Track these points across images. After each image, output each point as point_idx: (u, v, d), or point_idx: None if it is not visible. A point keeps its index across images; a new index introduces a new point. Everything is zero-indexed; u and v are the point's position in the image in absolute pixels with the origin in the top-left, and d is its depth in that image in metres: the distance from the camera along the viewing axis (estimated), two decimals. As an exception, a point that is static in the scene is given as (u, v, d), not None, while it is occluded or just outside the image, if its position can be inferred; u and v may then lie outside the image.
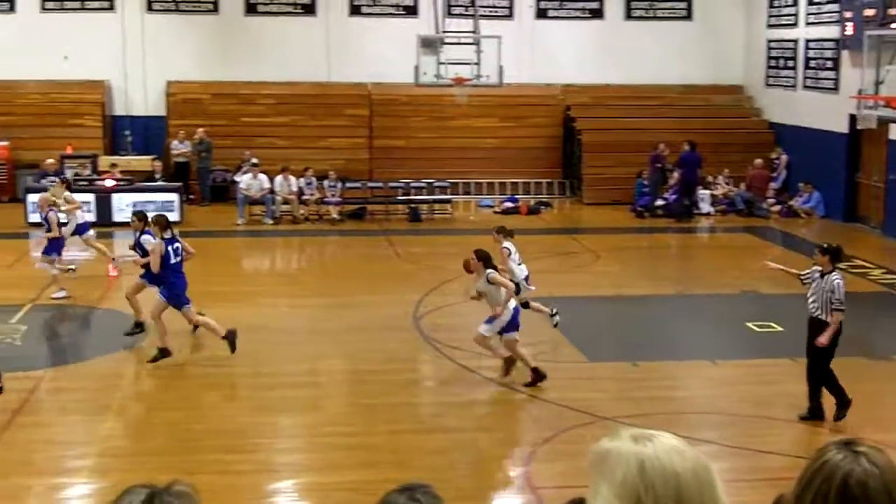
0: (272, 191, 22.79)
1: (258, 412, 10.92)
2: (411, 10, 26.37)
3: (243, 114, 25.68)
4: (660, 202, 24.18)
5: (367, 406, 11.06)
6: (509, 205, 24.82)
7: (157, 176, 23.35)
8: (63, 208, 16.76)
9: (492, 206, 25.13)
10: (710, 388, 12.15)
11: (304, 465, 9.68)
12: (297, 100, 25.80)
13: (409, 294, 15.82)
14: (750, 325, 14.49)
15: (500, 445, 10.31)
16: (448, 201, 24.24)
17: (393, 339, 13.56)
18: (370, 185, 24.47)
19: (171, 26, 25.86)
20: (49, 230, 15.67)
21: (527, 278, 13.34)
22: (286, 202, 22.86)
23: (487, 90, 22.71)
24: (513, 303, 11.72)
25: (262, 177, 22.87)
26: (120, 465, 9.34)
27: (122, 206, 21.82)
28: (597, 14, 27.30)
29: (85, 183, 22.31)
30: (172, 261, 12.52)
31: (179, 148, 24.78)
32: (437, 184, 24.24)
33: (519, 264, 13.26)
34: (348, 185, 23.78)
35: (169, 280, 12.53)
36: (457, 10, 25.06)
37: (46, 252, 15.67)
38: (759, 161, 24.79)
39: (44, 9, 25.45)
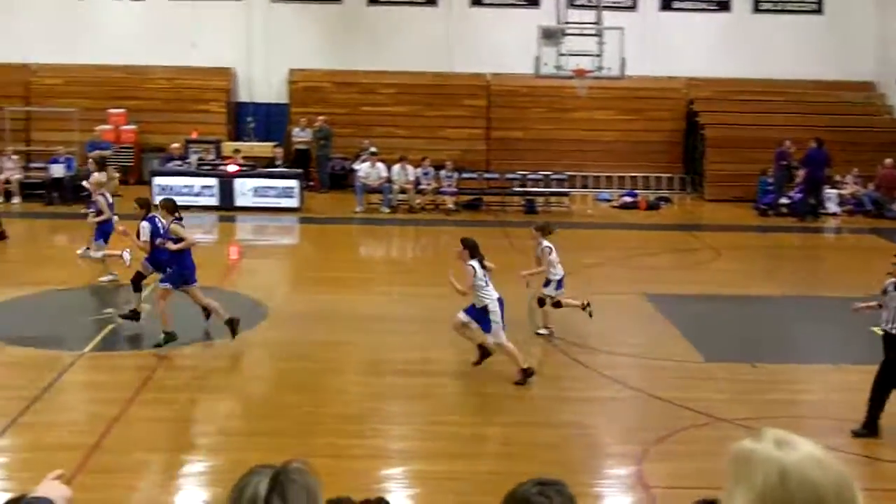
0: (389, 180, 22.96)
1: (372, 398, 11.00)
2: (533, 1, 26.25)
3: (363, 103, 25.92)
4: (784, 200, 23.58)
5: (479, 397, 11.04)
6: (628, 199, 24.51)
7: (278, 162, 23.75)
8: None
9: (610, 200, 24.86)
10: (831, 392, 11.76)
11: (415, 452, 9.70)
12: (416, 90, 25.93)
13: (524, 287, 15.72)
14: (875, 329, 13.99)
15: (613, 443, 10.16)
16: (565, 194, 24.06)
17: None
18: (486, 175, 24.46)
19: (296, 15, 26.24)
20: (98, 214, 15.66)
21: (561, 280, 13.20)
22: (403, 191, 23.01)
23: (608, 82, 22.46)
24: (494, 294, 11.49)
25: (381, 165, 23.05)
26: (236, 445, 9.51)
27: (244, 191, 22.27)
28: (724, 6, 26.74)
29: (208, 168, 22.84)
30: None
31: (300, 135, 25.17)
32: (554, 176, 24.09)
33: (557, 264, 13.14)
34: (464, 175, 23.81)
35: (179, 260, 12.68)
36: (579, 1, 24.79)
37: (96, 238, 15.60)
38: (889, 161, 23.95)
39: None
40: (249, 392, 11.31)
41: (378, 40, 25.98)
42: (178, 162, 23.10)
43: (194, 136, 24.71)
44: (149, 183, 22.66)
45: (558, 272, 13.15)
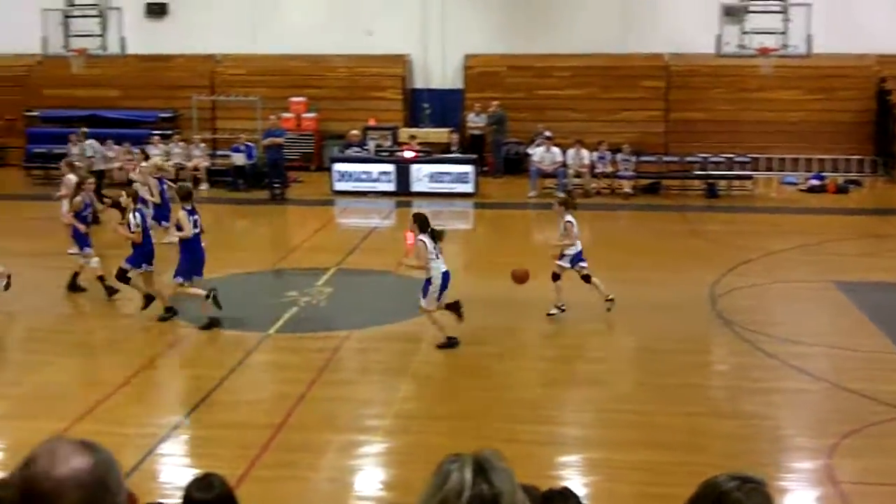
0: (565, 164, 22.75)
1: (549, 384, 10.92)
2: (714, -22, 25.47)
3: (538, 86, 25.76)
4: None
5: (659, 386, 10.78)
6: (815, 182, 23.54)
7: (453, 148, 23.86)
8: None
9: (796, 184, 23.94)
10: None
11: (593, 440, 9.56)
12: (591, 72, 25.59)
13: (705, 273, 15.31)
14: None
15: (800, 435, 9.75)
16: (748, 177, 23.30)
17: (686, 319, 13.17)
18: (665, 159, 23.94)
19: (470, 0, 26.28)
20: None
21: (579, 255, 13.10)
22: (578, 175, 22.77)
23: (793, 61, 21.62)
24: (442, 267, 11.79)
25: (555, 150, 22.88)
26: (415, 427, 9.59)
27: (420, 176, 22.49)
28: (918, -22, 25.30)
29: (386, 154, 23.17)
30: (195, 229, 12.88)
31: (475, 121, 25.23)
32: (736, 159, 23.35)
33: (577, 239, 13.08)
34: (642, 158, 23.36)
35: (191, 249, 12.80)
36: (763, -23, 23.92)
37: (154, 219, 15.70)
38: None
39: (353, -16, 26.57)
40: (426, 375, 11.39)
41: (553, 22, 25.75)
42: (357, 148, 23.53)
43: (372, 122, 25.12)
44: (328, 169, 23.16)
45: (576, 246, 13.09)
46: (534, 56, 25.77)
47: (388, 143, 24.12)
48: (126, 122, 25.86)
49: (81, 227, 14.25)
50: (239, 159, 23.51)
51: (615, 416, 9.94)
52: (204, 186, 23.49)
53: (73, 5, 23.59)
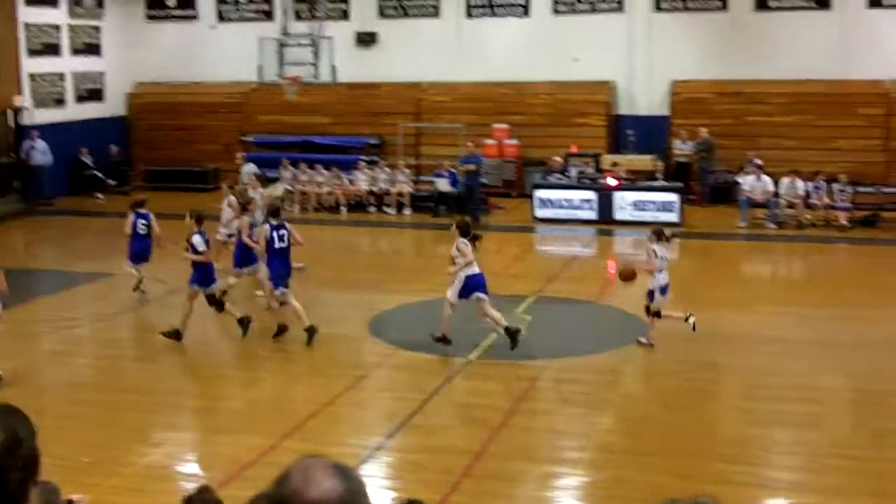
0: (776, 194, 21.91)
1: (757, 423, 10.43)
2: (940, 1, 24.11)
3: (748, 113, 24.98)
4: None
5: (877, 429, 10.14)
6: None
7: (658, 175, 23.39)
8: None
9: None
10: None
11: (806, 485, 9.05)
12: (806, 98, 24.60)
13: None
14: None
15: None
16: (974, 210, 21.80)
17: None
18: (884, 190, 22.69)
19: (678, 25, 25.80)
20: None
21: (665, 288, 12.69)
22: (791, 206, 21.87)
23: None
24: (468, 271, 12.58)
25: (766, 179, 22.08)
26: (616, 462, 9.34)
27: (624, 204, 22.15)
28: None
29: (588, 181, 22.96)
30: (277, 245, 13.26)
31: (682, 148, 24.69)
32: (962, 191, 21.92)
33: (660, 271, 12.65)
34: (859, 189, 22.22)
35: (279, 260, 13.31)
36: None
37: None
38: None
39: (556, 12, 26.52)
40: (628, 408, 11.11)
41: (766, 48, 24.93)
42: (559, 175, 23.42)
43: (574, 149, 24.95)
44: (530, 196, 23.13)
45: (660, 280, 12.67)
46: (744, 82, 25.00)
47: (590, 170, 23.90)
48: (335, 148, 26.64)
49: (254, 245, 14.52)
50: (442, 185, 23.79)
51: (829, 460, 9.39)
52: (407, 211, 23.88)
53: (288, 35, 24.55)
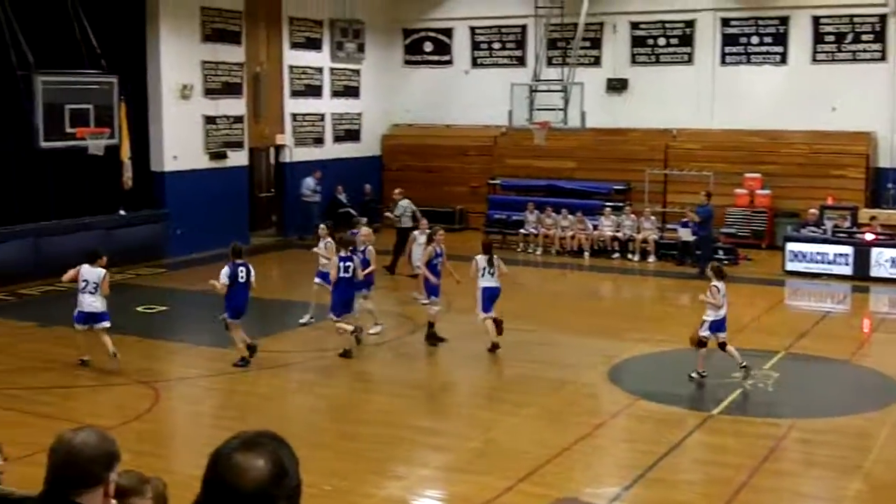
0: None
1: None
2: None
3: None
4: None
5: None
6: None
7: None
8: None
9: None
10: None
11: None
12: None
13: None
14: None
15: None
16: None
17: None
18: None
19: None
20: (367, 265, 15.45)
21: (722, 322, 13.18)
22: None
23: None
24: (483, 284, 14.73)
25: None
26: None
27: (881, 261, 21.04)
28: None
29: (843, 235, 21.97)
30: (342, 274, 14.37)
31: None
32: None
33: (720, 307, 13.13)
34: None
35: (340, 290, 14.43)
36: None
37: (358, 287, 15.19)
38: None
39: (814, 60, 25.63)
40: (880, 477, 10.45)
41: None
42: (812, 228, 22.53)
43: (829, 201, 23.95)
44: (781, 248, 22.36)
45: (715, 314, 13.16)
46: None
47: (846, 224, 22.84)
48: (580, 193, 26.69)
49: (432, 279, 15.38)
50: (685, 234, 23.38)
51: None
52: (651, 259, 23.60)
53: (539, 80, 24.92)
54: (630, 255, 23.98)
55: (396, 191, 23.59)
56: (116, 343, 13.66)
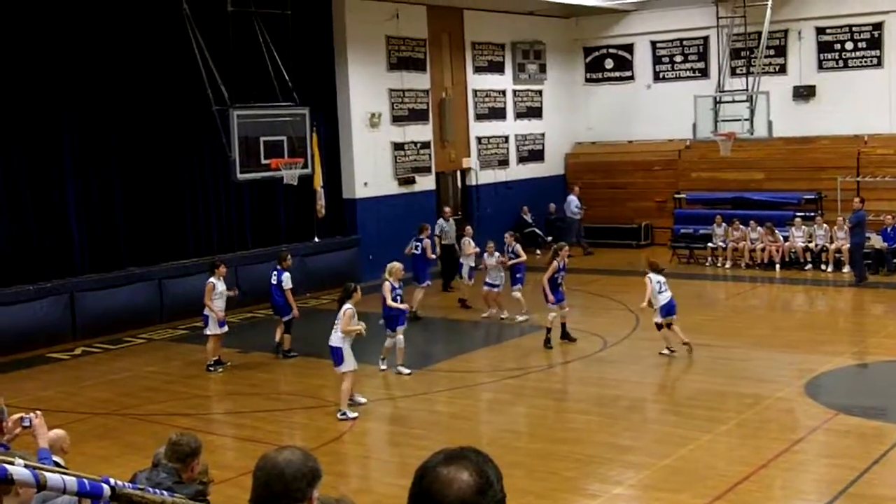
0: None
1: None
2: None
3: None
4: None
5: None
6: None
7: None
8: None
9: None
10: None
11: None
12: None
13: None
14: None
15: None
16: None
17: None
18: None
19: None
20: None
21: (666, 307, 15.67)
22: None
23: None
24: (665, 298, 15.70)
25: None
26: None
27: None
28: None
29: None
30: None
31: None
32: None
33: (660, 293, 15.64)
34: None
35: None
36: None
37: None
38: None
39: None
40: None
41: None
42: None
43: None
44: None
45: (660, 300, 15.59)
46: None
47: None
48: (769, 204, 26.08)
49: (550, 295, 16.40)
50: (877, 241, 22.51)
51: None
52: (846, 269, 22.81)
53: (724, 91, 24.53)
54: (823, 266, 23.26)
55: (446, 209, 23.69)
56: (312, 366, 14.20)
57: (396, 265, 15.45)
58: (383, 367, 15.45)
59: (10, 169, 18.49)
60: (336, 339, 13.15)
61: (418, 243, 19.81)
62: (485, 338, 18.36)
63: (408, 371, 15.24)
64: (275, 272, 16.76)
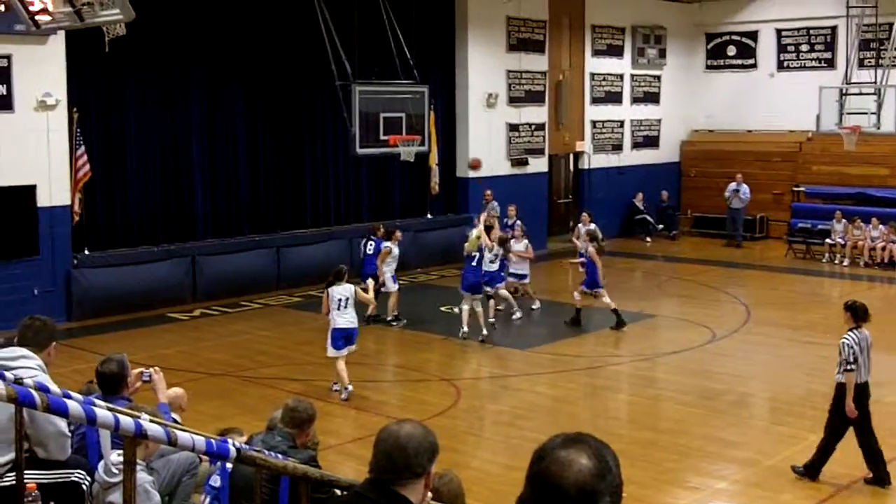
0: None
1: None
2: None
3: None
4: None
5: None
6: None
7: None
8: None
9: None
10: None
11: None
12: None
13: None
14: None
15: None
16: None
17: None
18: None
19: None
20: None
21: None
22: None
23: None
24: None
25: None
26: None
27: None
28: None
29: None
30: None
31: None
32: None
33: (491, 262, 16.46)
34: None
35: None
36: None
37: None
38: None
39: None
40: None
41: None
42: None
43: None
44: None
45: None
46: None
47: None
48: (893, 202, 25.36)
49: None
50: None
51: None
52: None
53: (851, 83, 23.89)
54: (949, 267, 22.62)
55: (488, 192, 23.02)
56: (421, 340, 14.39)
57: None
58: (482, 335, 15.86)
59: (144, 132, 19.19)
60: (354, 319, 13.23)
61: (372, 243, 17.69)
62: (594, 323, 18.34)
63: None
64: (372, 241, 17.52)
